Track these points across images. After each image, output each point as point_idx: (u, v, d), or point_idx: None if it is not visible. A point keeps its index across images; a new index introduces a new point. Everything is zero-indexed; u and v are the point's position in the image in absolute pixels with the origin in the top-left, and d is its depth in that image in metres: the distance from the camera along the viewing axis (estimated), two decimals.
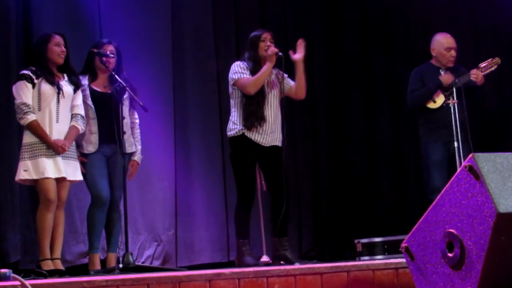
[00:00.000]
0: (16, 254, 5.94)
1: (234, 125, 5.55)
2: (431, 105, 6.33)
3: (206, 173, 7.17)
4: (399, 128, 8.02)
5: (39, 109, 5.22)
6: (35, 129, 5.18)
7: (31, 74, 5.24)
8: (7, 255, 5.90)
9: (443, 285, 3.47)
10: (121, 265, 5.08)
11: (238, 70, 5.55)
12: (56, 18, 6.37)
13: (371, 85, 8.17)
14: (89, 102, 5.53)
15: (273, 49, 5.53)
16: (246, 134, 5.50)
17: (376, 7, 8.24)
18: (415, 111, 6.58)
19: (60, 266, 5.21)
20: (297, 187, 7.70)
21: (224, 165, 7.21)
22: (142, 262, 6.56)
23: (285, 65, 5.58)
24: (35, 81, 5.23)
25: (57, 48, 5.36)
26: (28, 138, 5.21)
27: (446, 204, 3.46)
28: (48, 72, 5.29)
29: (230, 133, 5.58)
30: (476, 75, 6.16)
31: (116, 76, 5.47)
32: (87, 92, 5.55)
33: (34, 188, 5.28)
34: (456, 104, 6.05)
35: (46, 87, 5.24)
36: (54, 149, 5.18)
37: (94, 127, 5.52)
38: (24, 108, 5.18)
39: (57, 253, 5.26)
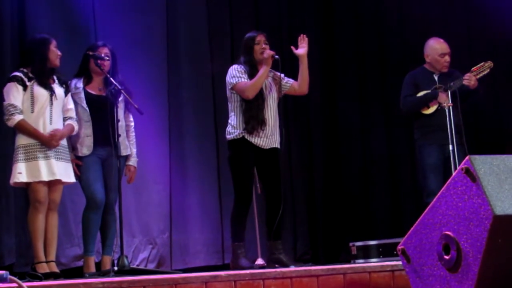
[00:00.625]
0: (11, 257, 5.93)
1: (234, 129, 5.53)
2: (425, 111, 6.34)
3: (201, 176, 7.17)
4: (394, 131, 8.02)
5: (32, 112, 5.20)
6: (25, 128, 5.16)
7: (22, 76, 5.23)
8: (2, 258, 5.89)
9: (439, 287, 3.47)
10: (116, 268, 5.07)
11: (236, 74, 5.54)
12: (51, 21, 6.37)
13: (366, 88, 8.17)
14: (84, 105, 5.52)
15: (269, 52, 5.53)
16: (246, 137, 5.50)
17: (371, 9, 8.25)
18: (410, 115, 6.58)
19: (55, 268, 5.20)
20: (292, 190, 7.70)
21: (219, 168, 7.21)
22: (137, 265, 6.55)
23: (282, 67, 5.60)
24: (27, 83, 5.22)
25: (56, 51, 5.36)
26: (21, 140, 5.19)
27: (442, 206, 3.46)
28: (44, 74, 5.28)
29: (230, 136, 5.56)
30: (469, 79, 6.17)
31: (111, 78, 5.46)
32: (82, 95, 5.54)
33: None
34: (451, 107, 6.06)
35: (39, 90, 5.23)
36: (46, 143, 5.16)
37: (89, 130, 5.51)
38: (11, 109, 5.17)
39: (52, 256, 5.25)
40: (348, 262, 6.65)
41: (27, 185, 5.19)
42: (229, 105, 5.64)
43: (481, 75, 6.23)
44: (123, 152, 5.59)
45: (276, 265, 5.47)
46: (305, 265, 6.21)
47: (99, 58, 5.52)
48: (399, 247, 3.68)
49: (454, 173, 3.48)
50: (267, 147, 5.55)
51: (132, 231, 6.66)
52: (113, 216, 5.54)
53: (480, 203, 3.27)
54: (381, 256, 6.43)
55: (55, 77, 5.39)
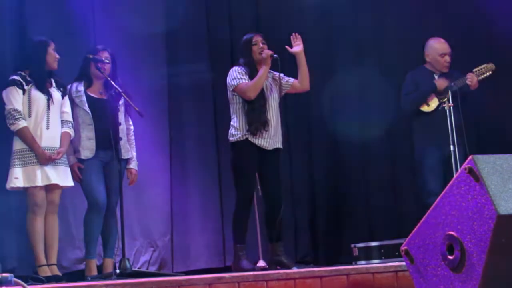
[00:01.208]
0: (13, 261, 5.91)
1: (237, 131, 5.54)
2: (425, 109, 6.34)
3: (201, 178, 7.16)
4: (394, 131, 8.01)
5: (29, 115, 5.21)
6: (25, 135, 5.16)
7: (21, 80, 5.23)
8: (3, 262, 5.87)
9: None
10: (118, 271, 5.07)
11: (237, 76, 5.55)
12: (51, 24, 6.35)
13: (366, 86, 8.15)
14: (86, 108, 5.52)
15: (267, 52, 5.56)
16: (250, 139, 5.50)
17: (369, 8, 8.24)
18: (410, 115, 6.58)
19: (57, 272, 5.20)
20: (292, 192, 7.68)
21: (220, 170, 7.20)
22: (138, 268, 6.54)
23: (281, 66, 5.60)
24: (25, 87, 5.22)
25: (55, 53, 5.36)
26: (18, 144, 5.20)
27: (446, 206, 3.45)
28: (42, 77, 5.28)
29: (233, 138, 5.56)
30: (471, 78, 6.18)
31: (111, 82, 5.46)
32: (84, 98, 5.55)
33: None
34: (451, 108, 6.06)
35: (36, 94, 5.23)
36: (40, 157, 5.16)
37: (91, 133, 5.51)
38: (15, 114, 5.17)
39: (53, 259, 5.25)
40: (349, 263, 6.65)
41: (24, 189, 5.19)
42: (231, 107, 5.64)
43: (483, 76, 6.23)
44: (124, 155, 5.60)
45: (278, 267, 5.47)
46: (307, 266, 6.21)
47: (100, 61, 5.52)
48: (403, 247, 3.67)
49: (457, 173, 3.48)
50: (271, 148, 5.55)
51: (133, 234, 6.65)
52: (115, 219, 5.54)
53: (483, 203, 3.27)
54: (383, 257, 6.42)
55: (52, 80, 5.39)
